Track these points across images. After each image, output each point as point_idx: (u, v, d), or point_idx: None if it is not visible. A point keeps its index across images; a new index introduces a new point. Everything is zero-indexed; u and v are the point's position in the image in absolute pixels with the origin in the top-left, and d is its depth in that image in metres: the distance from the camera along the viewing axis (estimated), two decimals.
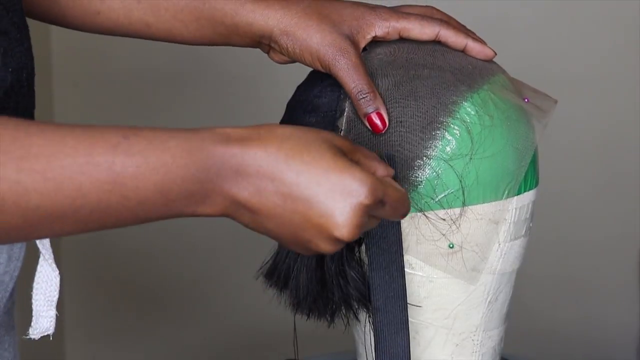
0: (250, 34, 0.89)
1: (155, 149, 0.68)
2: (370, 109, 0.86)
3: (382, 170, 0.75)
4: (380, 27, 0.89)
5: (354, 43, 0.87)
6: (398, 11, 0.91)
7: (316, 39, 0.87)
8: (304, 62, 0.89)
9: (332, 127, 0.89)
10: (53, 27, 1.89)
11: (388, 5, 0.93)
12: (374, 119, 0.86)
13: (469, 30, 0.93)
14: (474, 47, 0.91)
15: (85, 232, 0.70)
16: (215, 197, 0.71)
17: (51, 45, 1.89)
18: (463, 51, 0.91)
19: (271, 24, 0.88)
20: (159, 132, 0.69)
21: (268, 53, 0.92)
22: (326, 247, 0.72)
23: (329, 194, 0.70)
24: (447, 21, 0.92)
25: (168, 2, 0.91)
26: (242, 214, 0.72)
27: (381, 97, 0.86)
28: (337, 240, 0.72)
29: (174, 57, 1.93)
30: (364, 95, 0.85)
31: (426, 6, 0.94)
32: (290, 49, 0.88)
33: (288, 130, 0.72)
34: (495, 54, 0.92)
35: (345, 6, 0.89)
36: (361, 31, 0.88)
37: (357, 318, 0.90)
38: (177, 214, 0.71)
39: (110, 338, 2.05)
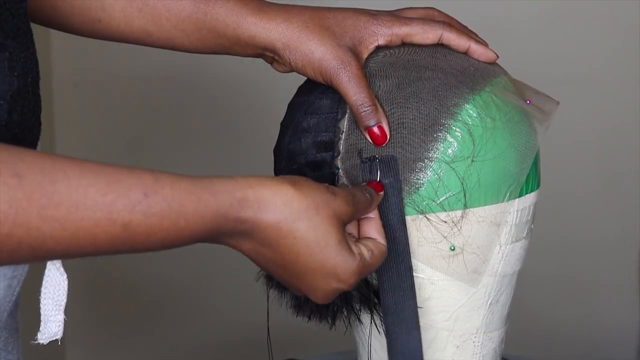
0: (252, 47, 0.90)
1: (172, 212, 0.71)
2: (371, 122, 0.86)
3: (371, 210, 0.83)
4: (383, 36, 0.89)
5: (356, 54, 0.88)
6: (399, 16, 0.91)
7: (318, 53, 0.87)
8: (306, 75, 0.89)
9: (334, 128, 0.89)
10: None
11: (391, 8, 0.93)
12: (375, 131, 0.86)
13: (471, 32, 0.93)
14: (476, 49, 0.91)
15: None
16: (217, 241, 0.76)
17: (51, 45, 1.89)
18: (466, 53, 0.91)
19: (273, 38, 0.88)
20: (178, 192, 0.72)
21: (271, 64, 0.92)
22: (297, 294, 0.84)
23: (318, 276, 0.78)
24: (450, 23, 0.92)
25: (169, 12, 0.91)
26: (242, 251, 0.78)
27: (382, 106, 0.87)
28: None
29: (174, 58, 1.92)
30: (365, 109, 0.86)
31: (427, 8, 0.94)
32: (292, 62, 0.88)
33: (304, 205, 0.76)
34: (498, 56, 0.92)
35: (347, 16, 0.89)
36: (364, 42, 0.89)
37: (359, 320, 0.90)
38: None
39: (110, 338, 2.05)
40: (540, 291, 1.95)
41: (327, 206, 0.77)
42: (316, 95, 0.90)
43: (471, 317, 0.91)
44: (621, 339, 1.98)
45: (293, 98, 0.93)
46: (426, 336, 0.91)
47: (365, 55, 0.89)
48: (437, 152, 0.87)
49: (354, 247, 0.79)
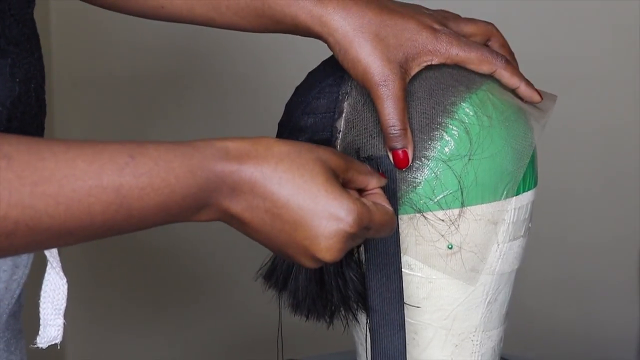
0: (308, 34, 0.89)
1: (160, 170, 0.71)
2: (397, 146, 0.85)
3: (374, 182, 0.80)
4: (438, 57, 0.88)
5: (404, 70, 0.86)
6: (460, 37, 0.89)
7: (364, 62, 0.85)
8: (350, 74, 0.88)
9: (331, 128, 0.89)
10: (53, 28, 1.90)
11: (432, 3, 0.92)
12: (399, 154, 0.86)
13: (517, 65, 0.93)
14: (524, 91, 0.91)
15: (85, 242, 0.73)
16: (211, 208, 0.74)
17: (51, 45, 1.89)
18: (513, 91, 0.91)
19: (327, 33, 0.87)
20: (163, 150, 0.72)
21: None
22: (308, 264, 0.77)
23: (315, 218, 0.75)
24: (507, 58, 0.91)
25: (229, 1, 0.91)
26: (233, 223, 0.76)
27: (412, 132, 0.86)
28: (318, 260, 0.76)
29: (174, 58, 1.93)
30: (395, 132, 0.85)
31: (488, 23, 0.93)
32: (340, 59, 0.87)
33: (285, 148, 0.75)
34: (542, 98, 0.92)
35: (407, 28, 0.87)
36: (417, 58, 0.87)
37: (356, 319, 0.90)
38: (172, 222, 0.75)
39: (110, 338, 2.05)
40: (540, 291, 1.95)
41: (310, 150, 0.76)
42: (313, 95, 0.90)
43: (469, 315, 0.91)
44: (621, 338, 1.97)
45: (290, 98, 0.93)
46: (424, 335, 0.91)
47: (414, 72, 0.87)
48: (434, 151, 0.87)
49: (348, 192, 0.76)
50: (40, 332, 0.80)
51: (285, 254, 0.77)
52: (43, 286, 0.81)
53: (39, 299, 0.80)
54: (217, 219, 0.76)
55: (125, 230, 0.72)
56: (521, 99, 0.92)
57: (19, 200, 0.67)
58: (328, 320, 0.89)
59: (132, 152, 0.71)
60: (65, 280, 0.80)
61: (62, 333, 0.81)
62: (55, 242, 0.71)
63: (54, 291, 0.80)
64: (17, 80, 0.78)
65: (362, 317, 0.90)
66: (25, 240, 0.69)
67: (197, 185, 0.72)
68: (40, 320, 0.80)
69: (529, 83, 0.91)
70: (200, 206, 0.74)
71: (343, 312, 0.89)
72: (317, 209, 0.75)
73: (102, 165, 0.69)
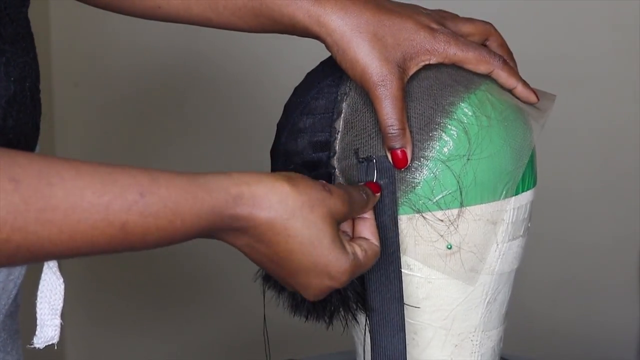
0: (306, 34, 0.89)
1: (168, 212, 0.72)
2: (396, 145, 0.86)
3: (367, 210, 0.84)
4: (436, 57, 0.88)
5: (402, 70, 0.86)
6: (458, 37, 0.89)
7: (362, 62, 0.85)
8: (348, 75, 0.88)
9: (330, 128, 0.89)
10: (53, 28, 1.90)
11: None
12: (398, 154, 0.86)
13: (515, 65, 0.94)
14: (521, 91, 0.91)
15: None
16: (213, 237, 0.76)
17: (51, 45, 1.89)
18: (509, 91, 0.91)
19: (324, 33, 0.86)
20: (174, 190, 0.72)
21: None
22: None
23: (312, 275, 0.78)
24: (504, 59, 0.91)
25: (226, 0, 0.90)
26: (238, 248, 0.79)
27: (410, 132, 0.86)
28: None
29: (173, 58, 1.93)
30: (394, 131, 0.85)
31: (486, 23, 0.93)
32: (338, 59, 0.87)
33: (299, 202, 0.76)
34: (539, 99, 0.92)
35: (405, 28, 0.87)
36: (415, 58, 0.87)
37: (355, 319, 0.90)
38: None
39: (109, 339, 2.05)
40: (540, 291, 1.95)
41: (322, 204, 0.77)
42: (312, 95, 0.90)
43: (469, 315, 0.91)
44: (621, 339, 1.97)
45: (289, 99, 0.93)
46: (424, 335, 0.91)
47: (412, 71, 0.87)
48: (432, 151, 0.87)
49: (347, 246, 0.79)
50: (37, 333, 0.80)
51: (273, 276, 0.81)
52: (40, 286, 0.81)
53: (36, 299, 0.80)
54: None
55: (123, 252, 0.73)
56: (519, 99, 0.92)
57: (22, 226, 0.66)
58: (327, 320, 0.89)
59: (143, 189, 0.70)
60: (62, 280, 0.80)
61: (59, 333, 0.81)
62: (53, 260, 0.72)
63: (51, 291, 0.80)
64: (12, 79, 0.78)
65: (362, 318, 0.90)
66: (25, 262, 0.69)
67: (202, 228, 0.73)
68: (37, 321, 0.80)
69: (525, 84, 0.91)
70: (201, 237, 0.75)
71: (342, 312, 0.89)
72: (316, 268, 0.78)
73: (110, 200, 0.69)
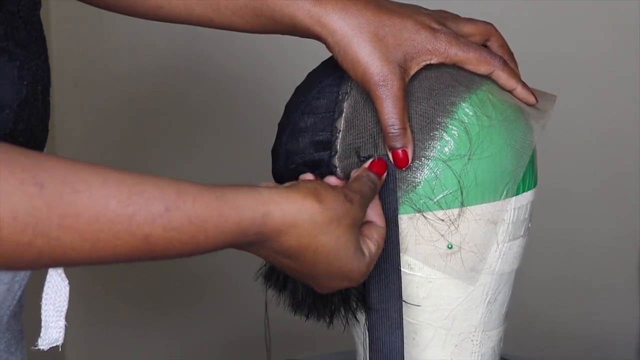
0: (307, 35, 0.89)
1: (192, 227, 0.71)
2: (397, 145, 0.86)
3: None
4: (437, 57, 0.88)
5: (403, 70, 0.86)
6: (459, 37, 0.89)
7: (364, 63, 0.85)
8: (349, 75, 0.88)
9: (331, 128, 0.89)
10: (53, 28, 1.90)
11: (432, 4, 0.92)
12: (399, 154, 0.86)
13: (516, 65, 0.94)
14: (521, 92, 0.91)
15: None
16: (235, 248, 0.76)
17: (51, 45, 1.89)
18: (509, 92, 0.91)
19: (326, 33, 0.86)
20: (200, 205, 0.71)
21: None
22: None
23: (333, 279, 0.79)
24: (505, 60, 0.91)
25: (228, 0, 0.90)
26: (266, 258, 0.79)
27: (412, 131, 0.86)
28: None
29: (173, 58, 1.93)
30: (395, 131, 0.85)
31: (487, 24, 0.93)
32: (339, 59, 0.87)
33: (327, 217, 0.76)
34: (537, 100, 0.92)
35: (405, 27, 0.87)
36: (416, 58, 0.87)
37: (355, 318, 0.90)
38: None
39: (109, 339, 2.05)
40: (540, 291, 1.95)
41: (347, 216, 0.77)
42: (313, 95, 0.90)
43: (469, 315, 0.91)
44: (621, 339, 1.97)
45: (290, 98, 0.93)
46: (424, 335, 0.91)
47: (413, 71, 0.87)
48: (433, 151, 0.87)
49: (364, 248, 0.80)
50: (41, 334, 0.80)
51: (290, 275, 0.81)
52: (45, 288, 0.80)
53: (41, 300, 0.80)
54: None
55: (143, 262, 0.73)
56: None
57: (45, 231, 0.66)
58: (328, 320, 0.89)
59: (168, 203, 0.70)
60: (67, 282, 0.80)
61: (63, 335, 0.81)
62: (72, 267, 0.71)
63: (56, 293, 0.80)
64: (25, 83, 0.78)
65: (362, 317, 0.90)
66: (48, 267, 0.70)
67: (226, 242, 0.73)
68: (42, 322, 0.80)
69: (525, 85, 0.92)
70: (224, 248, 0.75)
71: (343, 311, 0.89)
72: (339, 274, 0.79)
73: (135, 211, 0.68)
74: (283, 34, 0.91)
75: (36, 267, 0.68)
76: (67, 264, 0.69)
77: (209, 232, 0.71)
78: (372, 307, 0.87)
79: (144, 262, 0.72)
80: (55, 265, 0.69)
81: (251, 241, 0.74)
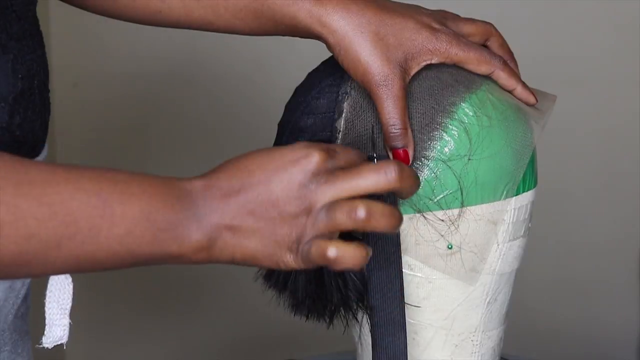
0: (308, 35, 0.89)
1: (136, 179, 0.72)
2: (398, 145, 0.85)
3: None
4: (438, 56, 0.88)
5: (403, 70, 0.86)
6: (459, 37, 0.89)
7: (364, 63, 0.85)
8: (349, 75, 0.88)
9: (331, 128, 0.89)
10: (52, 28, 1.90)
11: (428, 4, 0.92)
12: (400, 154, 0.86)
13: (516, 65, 0.94)
14: (520, 93, 0.91)
15: (79, 271, 0.73)
16: (198, 226, 0.73)
17: (51, 45, 1.89)
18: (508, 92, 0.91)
19: (326, 33, 0.86)
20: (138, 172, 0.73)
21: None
22: (311, 225, 0.74)
23: (280, 171, 0.73)
24: (505, 60, 0.91)
25: (227, 2, 0.90)
26: (225, 241, 0.74)
27: (412, 131, 0.86)
28: (315, 206, 0.74)
29: (173, 58, 1.93)
30: (395, 131, 0.85)
31: (486, 23, 0.93)
32: (340, 59, 0.87)
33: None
34: (537, 100, 0.92)
35: (407, 27, 0.87)
36: (417, 58, 0.87)
37: (356, 319, 0.90)
38: (165, 250, 0.73)
39: (109, 339, 2.05)
40: (540, 291, 1.95)
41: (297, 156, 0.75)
42: (313, 95, 0.90)
43: (469, 315, 0.91)
44: (621, 339, 1.97)
45: (290, 98, 0.93)
46: (424, 335, 0.91)
47: (414, 71, 0.87)
48: (433, 151, 0.87)
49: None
50: (45, 332, 0.80)
51: (284, 239, 0.75)
52: (48, 286, 0.81)
53: (44, 298, 0.80)
54: (209, 243, 0.74)
55: (114, 250, 0.71)
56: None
57: (3, 199, 0.67)
58: (328, 320, 0.89)
59: (108, 168, 0.71)
60: (70, 279, 0.80)
61: (67, 333, 0.81)
62: (44, 256, 0.70)
63: (60, 291, 0.80)
64: (20, 76, 0.78)
65: (362, 317, 0.90)
66: (12, 249, 0.68)
67: (172, 193, 0.72)
68: (46, 320, 0.80)
69: (525, 85, 0.92)
70: (186, 223, 0.73)
71: (343, 312, 0.89)
72: (275, 163, 0.74)
73: (81, 173, 0.70)
74: (283, 35, 0.90)
75: (5, 252, 0.67)
76: (30, 239, 0.68)
77: (152, 182, 0.72)
78: (374, 309, 0.87)
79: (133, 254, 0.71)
80: (18, 244, 0.68)
81: (184, 193, 0.73)
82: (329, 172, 0.74)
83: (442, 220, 0.87)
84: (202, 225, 0.73)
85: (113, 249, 0.71)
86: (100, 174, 0.70)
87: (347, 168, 0.75)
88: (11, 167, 0.68)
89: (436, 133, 0.87)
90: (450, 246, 0.88)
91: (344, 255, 0.73)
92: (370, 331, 0.87)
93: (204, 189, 0.73)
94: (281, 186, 0.73)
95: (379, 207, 0.73)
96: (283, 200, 0.73)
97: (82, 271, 0.72)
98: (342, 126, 0.88)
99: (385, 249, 0.85)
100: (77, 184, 0.69)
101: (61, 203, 0.68)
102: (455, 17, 0.92)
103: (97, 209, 0.69)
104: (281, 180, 0.73)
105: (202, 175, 0.74)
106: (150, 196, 0.71)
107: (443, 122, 0.87)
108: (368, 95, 0.87)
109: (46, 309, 0.80)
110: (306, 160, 0.74)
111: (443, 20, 0.90)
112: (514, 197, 0.89)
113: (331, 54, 0.88)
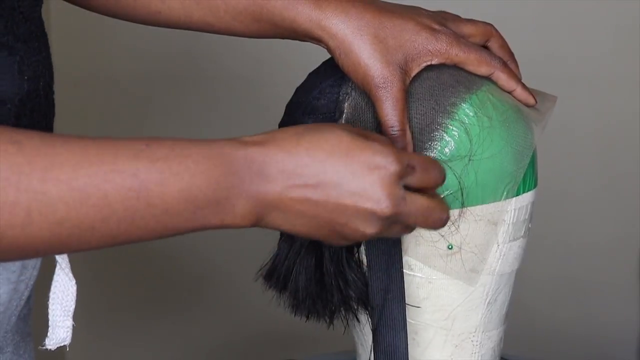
0: (308, 38, 0.89)
1: (177, 155, 0.71)
2: (397, 146, 0.85)
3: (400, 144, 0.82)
4: (438, 57, 0.87)
5: (403, 71, 0.86)
6: (459, 38, 0.89)
7: (364, 65, 0.85)
8: (350, 78, 0.88)
9: None
10: (53, 28, 1.90)
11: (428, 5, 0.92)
12: None
13: (517, 66, 0.93)
14: (520, 94, 0.91)
15: (114, 245, 0.71)
16: (242, 202, 0.72)
17: (51, 45, 1.89)
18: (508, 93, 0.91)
19: (326, 37, 0.86)
20: (179, 140, 0.72)
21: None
22: (366, 227, 0.74)
23: (356, 172, 0.73)
24: (505, 61, 0.91)
25: (227, 5, 0.90)
26: (272, 216, 0.74)
27: (412, 133, 0.86)
28: (375, 216, 0.74)
29: (173, 58, 1.93)
30: (394, 132, 0.85)
31: (487, 24, 0.93)
32: (340, 62, 0.87)
33: (301, 128, 0.75)
34: (537, 102, 0.92)
35: (407, 29, 0.87)
36: (417, 59, 0.87)
37: (357, 319, 0.90)
38: (205, 224, 0.72)
39: (110, 338, 2.05)
40: (540, 291, 1.95)
41: (324, 123, 0.76)
42: (314, 95, 0.90)
43: (469, 316, 0.91)
44: (621, 339, 1.97)
45: (291, 99, 0.93)
46: (424, 335, 0.91)
47: (414, 72, 0.87)
48: (434, 151, 0.87)
49: (375, 139, 0.76)
50: (48, 334, 0.80)
51: (338, 227, 0.74)
52: (52, 288, 0.80)
53: (48, 300, 0.80)
54: (254, 219, 0.73)
55: (151, 227, 0.70)
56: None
57: (29, 185, 0.65)
58: (328, 320, 0.89)
59: (148, 141, 0.70)
60: (74, 281, 0.80)
61: (70, 334, 0.81)
62: (77, 239, 0.68)
63: (63, 292, 0.80)
64: (26, 77, 0.78)
65: (363, 317, 0.90)
66: (43, 234, 0.67)
67: (218, 169, 0.71)
68: (49, 322, 0.80)
69: (525, 86, 0.92)
70: (230, 200, 0.71)
71: (343, 312, 0.89)
72: (354, 163, 0.73)
73: (116, 151, 0.69)
74: (282, 38, 0.91)
75: (31, 234, 0.66)
76: (61, 223, 0.67)
77: (196, 159, 0.70)
78: (375, 309, 0.87)
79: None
80: (50, 229, 0.66)
81: (246, 170, 0.72)
82: (399, 186, 0.75)
83: None
84: (244, 206, 0.72)
85: (150, 227, 0.70)
86: (137, 152, 0.69)
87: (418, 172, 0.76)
88: (40, 150, 0.66)
89: (437, 133, 0.87)
90: (450, 246, 0.88)
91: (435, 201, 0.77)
92: (372, 332, 0.87)
93: (262, 164, 0.72)
94: (352, 192, 0.74)
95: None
96: (350, 202, 0.74)
97: (119, 244, 0.71)
98: None
99: (385, 250, 0.86)
100: (111, 165, 0.68)
101: (94, 186, 0.67)
102: (456, 18, 0.92)
103: (132, 191, 0.68)
104: (355, 186, 0.73)
105: (262, 142, 0.73)
106: (193, 175, 0.70)
107: (443, 123, 0.87)
108: (369, 96, 0.87)
109: (49, 310, 0.79)
110: (383, 169, 0.74)
111: (443, 21, 0.90)
112: (514, 198, 0.89)
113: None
